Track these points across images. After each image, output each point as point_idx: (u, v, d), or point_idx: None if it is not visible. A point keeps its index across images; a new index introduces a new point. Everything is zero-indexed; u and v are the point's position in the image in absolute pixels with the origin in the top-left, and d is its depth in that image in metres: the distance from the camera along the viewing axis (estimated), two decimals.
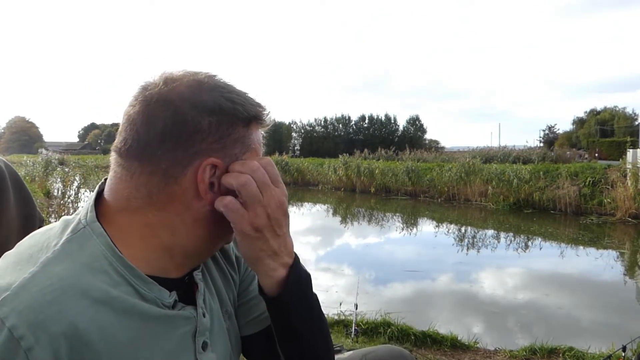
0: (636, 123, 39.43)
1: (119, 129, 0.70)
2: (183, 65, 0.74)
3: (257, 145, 0.75)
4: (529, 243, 10.75)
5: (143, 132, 0.67)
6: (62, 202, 10.17)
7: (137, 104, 0.68)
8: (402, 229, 12.72)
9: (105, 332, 0.61)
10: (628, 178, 13.69)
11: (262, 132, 0.78)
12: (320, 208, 17.56)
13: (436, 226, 13.31)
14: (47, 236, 0.68)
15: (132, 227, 0.68)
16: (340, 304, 4.76)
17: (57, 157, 17.50)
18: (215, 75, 0.73)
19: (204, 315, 0.74)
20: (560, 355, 3.60)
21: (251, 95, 0.75)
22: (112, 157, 0.71)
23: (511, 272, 8.12)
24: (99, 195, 0.72)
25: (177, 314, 0.70)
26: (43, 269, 0.61)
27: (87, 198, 0.75)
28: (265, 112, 0.75)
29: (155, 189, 0.68)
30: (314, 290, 0.81)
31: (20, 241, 0.70)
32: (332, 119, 49.81)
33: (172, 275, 0.72)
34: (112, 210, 0.69)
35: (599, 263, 8.64)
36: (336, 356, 0.99)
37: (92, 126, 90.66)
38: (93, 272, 0.63)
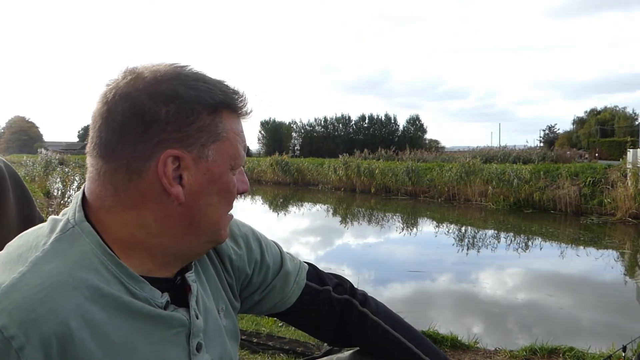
0: (636, 123, 39.46)
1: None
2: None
3: (232, 135, 0.71)
4: (529, 243, 10.74)
5: (104, 128, 0.66)
6: (62, 202, 10.18)
7: (99, 102, 0.68)
8: (402, 229, 12.71)
9: (98, 330, 0.61)
10: (628, 178, 13.67)
11: (243, 121, 0.74)
12: (320, 208, 17.55)
13: (436, 226, 13.31)
14: (36, 236, 0.67)
15: (112, 227, 0.68)
16: None
17: (57, 157, 17.48)
18: (184, 66, 0.70)
19: (197, 317, 0.73)
20: (561, 355, 3.60)
21: (226, 82, 0.72)
22: (87, 159, 0.71)
23: (511, 272, 8.12)
24: (85, 195, 0.71)
25: (169, 315, 0.69)
26: (33, 268, 0.61)
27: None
28: (238, 99, 0.71)
29: (121, 186, 0.67)
30: None
31: (10, 242, 0.69)
32: (332, 119, 49.72)
33: (161, 275, 0.71)
34: (93, 210, 0.69)
35: (599, 263, 8.63)
36: (335, 356, 0.99)
37: None
38: (84, 270, 0.63)
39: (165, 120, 0.65)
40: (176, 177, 0.67)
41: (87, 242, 0.65)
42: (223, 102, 0.70)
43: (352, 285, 0.99)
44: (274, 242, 0.96)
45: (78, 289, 0.61)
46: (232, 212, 0.76)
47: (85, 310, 0.60)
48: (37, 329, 0.56)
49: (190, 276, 0.76)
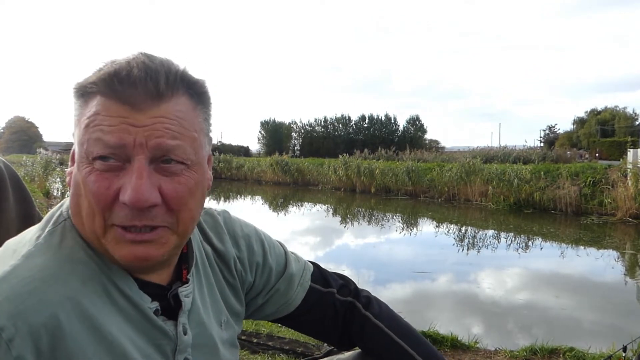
0: (637, 123, 39.52)
1: None
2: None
3: (84, 119, 0.62)
4: (530, 243, 10.73)
5: None
6: (62, 202, 10.17)
7: None
8: (402, 229, 12.70)
9: (87, 323, 0.61)
10: (629, 178, 13.66)
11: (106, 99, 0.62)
12: (320, 208, 17.54)
13: (436, 226, 13.30)
14: (32, 232, 0.68)
15: None
16: None
17: (57, 157, 17.45)
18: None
19: (184, 333, 0.71)
20: (561, 355, 3.59)
21: (113, 61, 0.64)
22: None
23: (511, 272, 8.11)
24: None
25: (157, 323, 0.68)
26: (24, 261, 0.61)
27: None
28: (102, 79, 0.61)
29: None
30: None
31: (9, 239, 0.70)
32: (332, 119, 49.62)
33: (152, 279, 0.70)
34: None
35: (600, 263, 8.63)
36: (336, 356, 0.98)
37: None
38: (74, 264, 0.63)
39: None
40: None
41: (76, 235, 0.66)
42: (84, 86, 0.64)
43: (356, 287, 0.98)
44: (279, 243, 0.95)
45: (67, 282, 0.61)
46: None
47: (75, 303, 0.60)
48: (26, 320, 0.56)
49: (184, 291, 0.73)
